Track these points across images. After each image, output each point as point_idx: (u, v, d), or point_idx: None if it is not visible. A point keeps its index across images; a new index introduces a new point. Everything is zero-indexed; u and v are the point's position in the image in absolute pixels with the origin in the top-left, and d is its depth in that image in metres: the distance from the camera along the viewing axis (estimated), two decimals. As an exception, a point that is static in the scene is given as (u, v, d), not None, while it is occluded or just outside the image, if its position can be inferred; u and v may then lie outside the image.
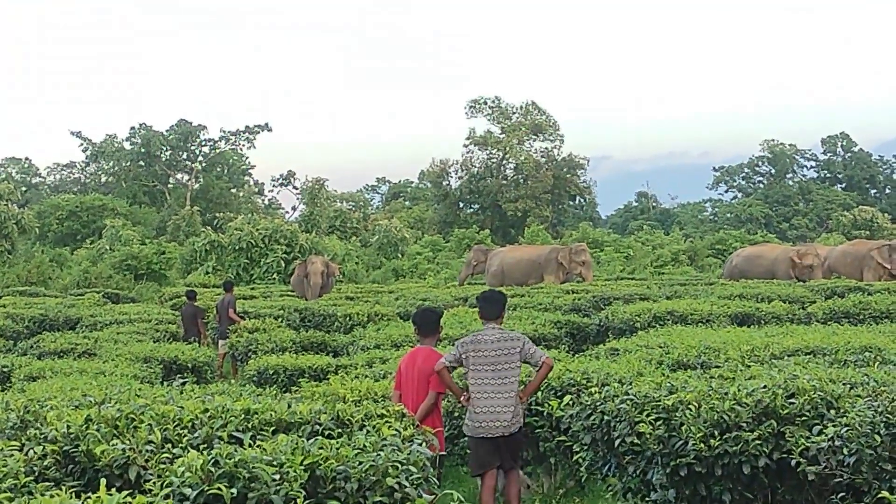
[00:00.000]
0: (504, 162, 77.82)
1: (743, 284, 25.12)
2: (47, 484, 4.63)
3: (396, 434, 5.42)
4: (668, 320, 15.76)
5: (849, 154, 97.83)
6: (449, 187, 78.81)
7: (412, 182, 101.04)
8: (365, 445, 5.02)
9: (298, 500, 4.33)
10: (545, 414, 8.68)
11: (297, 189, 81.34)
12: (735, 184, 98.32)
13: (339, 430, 5.75)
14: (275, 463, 4.57)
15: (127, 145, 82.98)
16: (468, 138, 78.55)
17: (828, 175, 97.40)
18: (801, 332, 12.13)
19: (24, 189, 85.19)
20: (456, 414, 9.60)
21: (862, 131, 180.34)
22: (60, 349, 15.83)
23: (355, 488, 4.66)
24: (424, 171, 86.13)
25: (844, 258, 33.96)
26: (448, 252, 60.44)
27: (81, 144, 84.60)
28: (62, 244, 60.97)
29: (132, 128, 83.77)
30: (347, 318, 19.77)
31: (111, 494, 3.86)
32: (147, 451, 5.02)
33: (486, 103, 79.72)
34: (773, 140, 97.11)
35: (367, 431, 5.55)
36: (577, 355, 11.90)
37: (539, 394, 8.82)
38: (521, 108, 79.34)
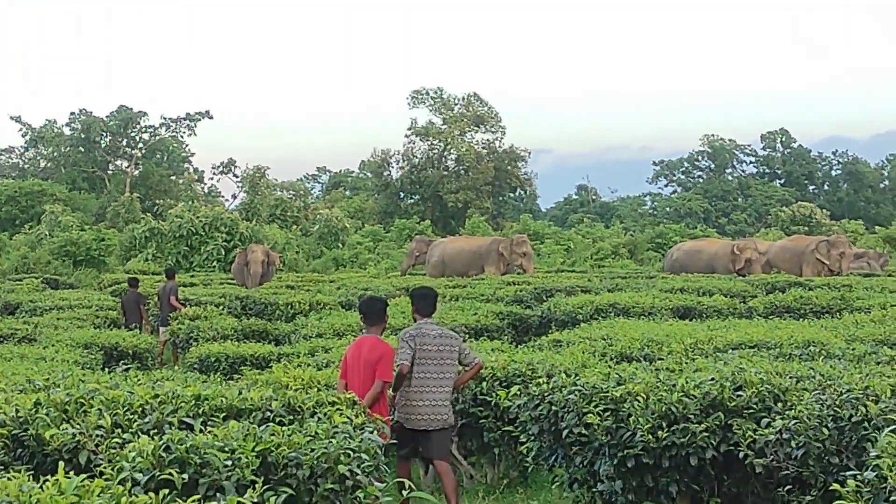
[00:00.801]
0: (445, 153, 77.75)
1: (684, 278, 25.38)
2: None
3: (348, 422, 5.42)
4: (611, 313, 15.87)
5: (788, 150, 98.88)
6: (390, 177, 78.81)
7: (353, 172, 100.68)
8: (317, 433, 5.02)
9: (254, 486, 4.30)
10: (492, 404, 8.71)
11: (237, 177, 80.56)
12: (675, 178, 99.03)
13: (291, 418, 5.73)
14: (226, 449, 4.56)
15: (67, 131, 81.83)
16: (410, 129, 78.44)
17: (767, 171, 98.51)
18: (744, 326, 12.26)
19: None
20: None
21: (801, 127, 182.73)
22: (0, 334, 15.64)
23: (307, 475, 4.66)
24: (365, 161, 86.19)
25: (784, 253, 34.41)
26: (388, 242, 60.41)
27: (21, 129, 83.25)
28: (1, 229, 60.09)
29: (72, 113, 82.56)
30: (289, 307, 19.78)
31: (69, 478, 3.82)
32: (97, 435, 4.99)
33: (428, 94, 79.66)
34: (712, 135, 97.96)
35: (319, 419, 5.54)
36: (519, 346, 11.92)
37: (484, 384, 8.88)
38: (464, 99, 79.32)
